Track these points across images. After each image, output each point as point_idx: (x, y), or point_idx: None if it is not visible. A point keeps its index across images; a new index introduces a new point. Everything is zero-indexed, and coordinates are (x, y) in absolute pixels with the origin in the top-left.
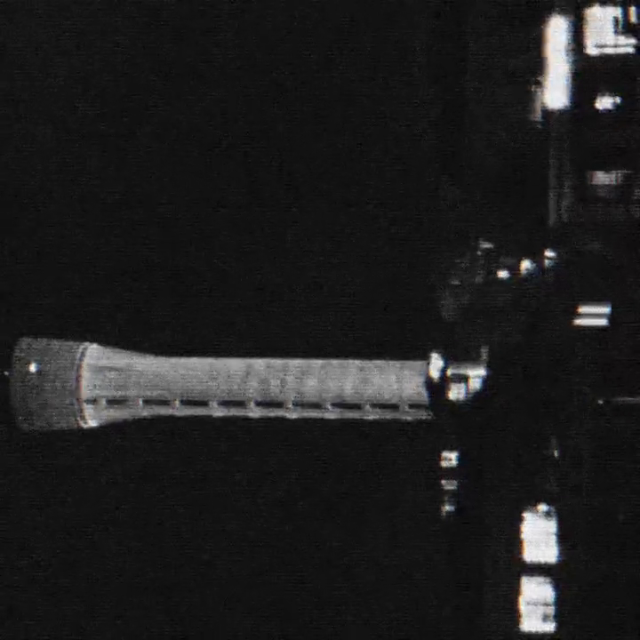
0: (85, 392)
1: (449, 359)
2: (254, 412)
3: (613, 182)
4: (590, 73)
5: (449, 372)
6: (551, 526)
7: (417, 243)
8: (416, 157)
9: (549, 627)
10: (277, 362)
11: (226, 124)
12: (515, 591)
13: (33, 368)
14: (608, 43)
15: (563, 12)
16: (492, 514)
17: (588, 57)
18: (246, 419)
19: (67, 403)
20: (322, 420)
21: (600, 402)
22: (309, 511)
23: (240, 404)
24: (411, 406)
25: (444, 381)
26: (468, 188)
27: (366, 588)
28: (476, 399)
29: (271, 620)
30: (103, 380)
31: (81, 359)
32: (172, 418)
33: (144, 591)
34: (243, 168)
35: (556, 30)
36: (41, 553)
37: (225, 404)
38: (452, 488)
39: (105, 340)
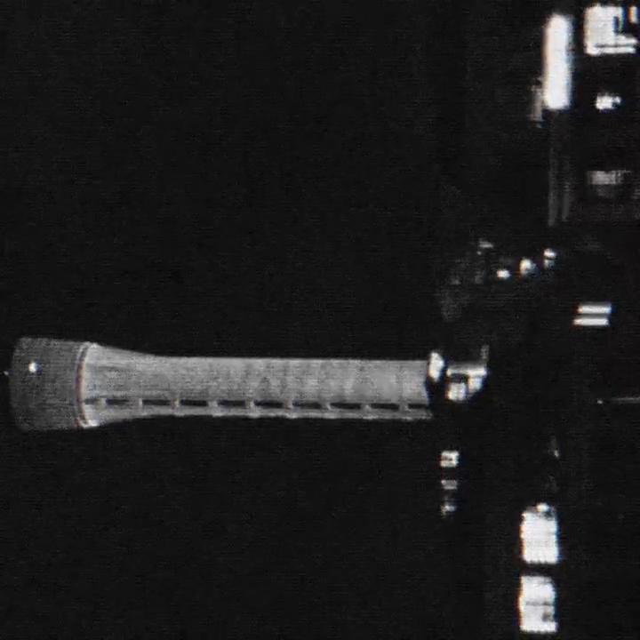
0: (85, 392)
1: (449, 359)
2: (254, 412)
3: (613, 182)
4: (590, 73)
5: (449, 372)
6: (551, 526)
7: (417, 243)
8: (416, 157)
9: (549, 627)
10: (277, 362)
11: (226, 124)
12: (515, 591)
13: (33, 368)
14: (608, 43)
15: (563, 11)
16: (492, 514)
17: (588, 57)
18: (246, 419)
19: (66, 403)
20: (322, 419)
21: (600, 402)
22: (309, 511)
23: (240, 403)
24: (411, 406)
25: (444, 381)
26: (467, 188)
27: (366, 587)
28: (475, 399)
29: (271, 620)
30: (103, 380)
31: (81, 359)
32: (171, 418)
33: (144, 591)
34: (243, 168)
35: (556, 30)
36: (41, 553)
37: (225, 403)
38: (451, 488)
39: (105, 340)
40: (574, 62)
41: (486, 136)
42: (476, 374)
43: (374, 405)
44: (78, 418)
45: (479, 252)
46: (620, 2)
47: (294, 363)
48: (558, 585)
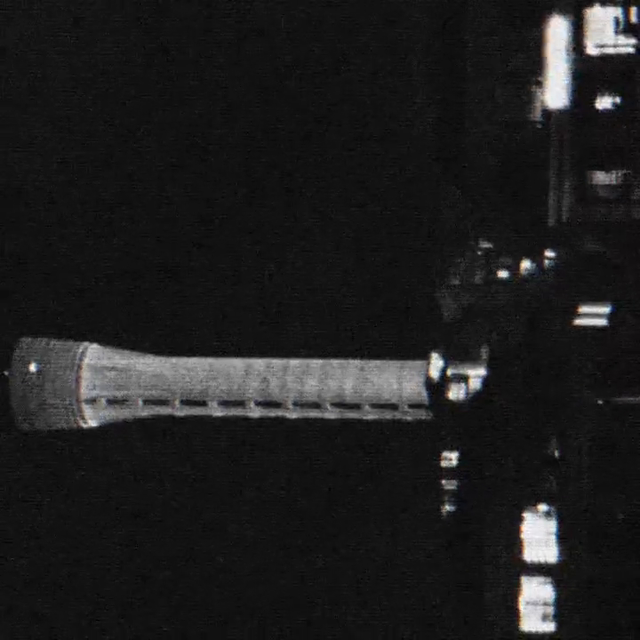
0: (85, 392)
1: (449, 359)
2: (254, 412)
3: (613, 182)
4: (590, 73)
5: (449, 372)
6: (551, 526)
7: (417, 243)
8: (416, 157)
9: (549, 627)
10: (277, 362)
11: (226, 124)
12: (515, 591)
13: (33, 368)
14: (608, 43)
15: (563, 11)
16: (492, 514)
17: (588, 57)
18: (246, 419)
19: (66, 403)
20: (322, 419)
21: (600, 402)
22: (309, 511)
23: (240, 403)
24: (411, 406)
25: (444, 381)
26: (467, 187)
27: (366, 587)
28: (475, 399)
29: (271, 620)
30: (103, 380)
31: (81, 359)
32: (171, 418)
33: (144, 590)
34: (243, 168)
35: (556, 30)
36: (41, 553)
37: (225, 403)
38: (451, 488)
39: (105, 340)
40: (574, 62)
41: (486, 136)
42: (476, 374)
43: (374, 405)
44: (78, 418)
45: (479, 252)
46: (619, 2)
47: (294, 363)
48: (558, 585)
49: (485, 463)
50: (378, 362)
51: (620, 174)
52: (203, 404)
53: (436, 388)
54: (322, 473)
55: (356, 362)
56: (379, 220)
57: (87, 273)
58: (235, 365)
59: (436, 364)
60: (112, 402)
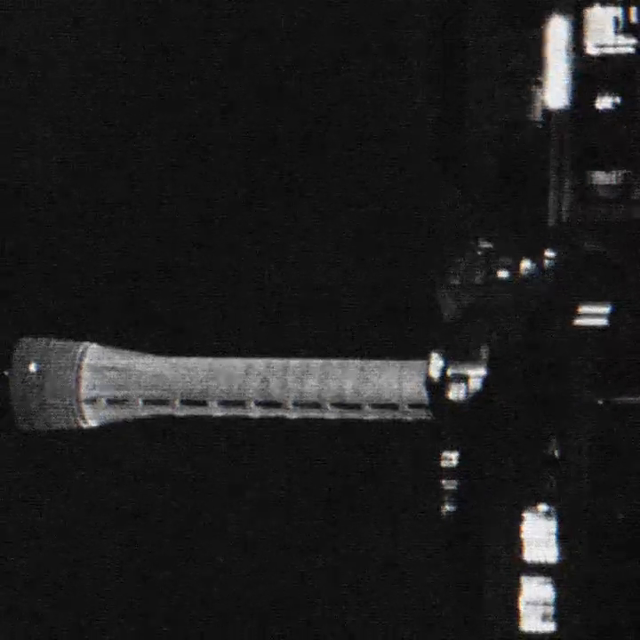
0: (85, 392)
1: (449, 359)
2: (254, 412)
3: (613, 182)
4: (590, 73)
5: (449, 372)
6: (551, 526)
7: (417, 243)
8: (416, 157)
9: (549, 627)
10: (277, 362)
11: (226, 125)
12: (515, 591)
13: (33, 368)
14: (608, 43)
15: (563, 11)
16: (492, 514)
17: (588, 57)
18: (246, 419)
19: (67, 403)
20: (322, 419)
21: (600, 402)
22: (309, 511)
23: (240, 403)
24: (411, 406)
25: (444, 381)
26: (467, 187)
27: (366, 587)
28: (475, 399)
29: (271, 620)
30: (103, 380)
31: (81, 359)
32: (171, 418)
33: (144, 591)
34: (243, 168)
35: (556, 30)
36: (41, 553)
37: (225, 403)
38: (451, 488)
39: (105, 340)
40: (574, 62)
41: (486, 136)
42: (476, 374)
43: (374, 405)
44: (78, 418)
45: (479, 252)
46: (620, 2)
47: (294, 363)
48: (558, 585)
49: (485, 463)
50: (378, 362)
51: (620, 174)
52: (203, 403)
53: (436, 388)
54: (322, 473)
55: (356, 362)
56: (379, 219)
57: (87, 273)
58: (235, 365)
59: (435, 363)
60: (112, 402)
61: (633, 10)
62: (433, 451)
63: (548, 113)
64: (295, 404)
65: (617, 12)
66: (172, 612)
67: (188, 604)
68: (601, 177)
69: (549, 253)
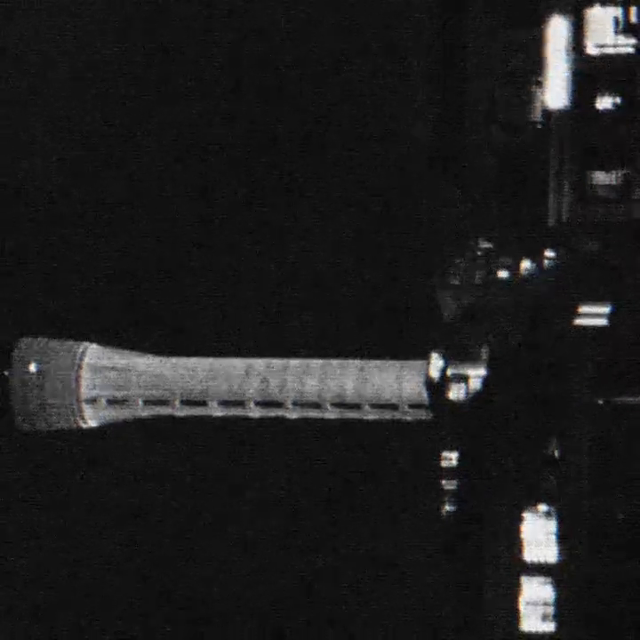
0: (85, 392)
1: (449, 359)
2: (254, 412)
3: (613, 182)
4: (590, 73)
5: (449, 372)
6: (551, 526)
7: (417, 243)
8: (416, 157)
9: (549, 627)
10: (277, 362)
11: (226, 124)
12: (515, 591)
13: (33, 368)
14: (608, 43)
15: (563, 11)
16: (492, 514)
17: (588, 57)
18: (246, 419)
19: (67, 403)
20: (322, 419)
21: (600, 402)
22: (309, 511)
23: (240, 403)
24: (411, 406)
25: (444, 381)
26: (467, 187)
27: (366, 587)
28: (475, 399)
29: (271, 620)
30: (103, 380)
31: (81, 359)
32: (171, 418)
33: (144, 591)
34: (243, 168)
35: (556, 30)
36: (41, 553)
37: (225, 403)
38: (451, 488)
39: (105, 340)
40: (574, 62)
41: (486, 136)
42: (476, 374)
43: (374, 405)
44: (78, 418)
45: (479, 252)
46: (619, 2)
47: (294, 363)
48: (558, 585)
49: (485, 463)
50: (378, 362)
51: (620, 174)
52: (203, 403)
53: (436, 388)
54: (322, 473)
55: (356, 362)
56: (379, 219)
57: (87, 273)
58: (235, 365)
59: (435, 363)
60: (112, 402)
61: (633, 10)
62: (433, 451)
63: (547, 113)
64: (295, 404)
65: (617, 11)
66: (172, 611)
67: (188, 604)
68: (601, 177)
69: (549, 253)
